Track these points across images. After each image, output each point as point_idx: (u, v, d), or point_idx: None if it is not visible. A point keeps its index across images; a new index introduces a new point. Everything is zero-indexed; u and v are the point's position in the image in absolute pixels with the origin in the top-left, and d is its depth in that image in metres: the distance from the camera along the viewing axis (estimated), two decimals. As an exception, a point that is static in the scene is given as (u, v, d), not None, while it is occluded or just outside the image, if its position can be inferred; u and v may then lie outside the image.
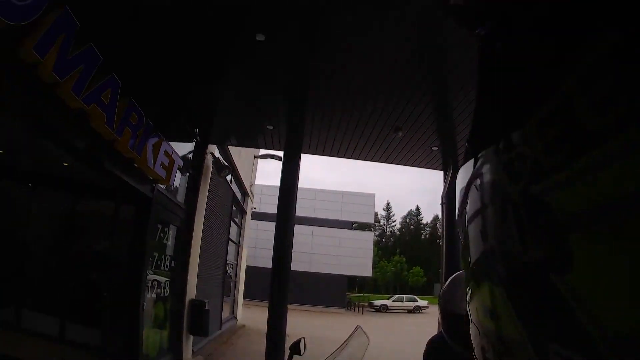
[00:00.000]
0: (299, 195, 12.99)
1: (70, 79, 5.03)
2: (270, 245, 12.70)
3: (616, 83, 0.74)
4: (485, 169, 1.41)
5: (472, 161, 1.68)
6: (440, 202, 13.79)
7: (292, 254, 12.26)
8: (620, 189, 0.70)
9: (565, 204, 0.86)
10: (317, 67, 7.87)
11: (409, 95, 8.48)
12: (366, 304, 50.89)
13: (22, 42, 4.36)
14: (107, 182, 7.70)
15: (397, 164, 13.19)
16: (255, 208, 27.19)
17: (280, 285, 11.62)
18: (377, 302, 51.06)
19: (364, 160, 13.12)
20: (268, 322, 11.35)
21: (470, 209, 1.61)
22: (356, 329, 3.18)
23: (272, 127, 10.93)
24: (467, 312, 1.66)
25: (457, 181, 1.82)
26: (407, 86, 8.14)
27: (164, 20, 6.69)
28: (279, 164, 13.74)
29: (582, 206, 0.80)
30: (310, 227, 43.34)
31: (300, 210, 13.95)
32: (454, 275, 2.87)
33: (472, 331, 1.55)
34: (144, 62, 7.63)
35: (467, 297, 1.63)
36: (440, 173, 13.69)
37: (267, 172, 44.20)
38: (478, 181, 1.50)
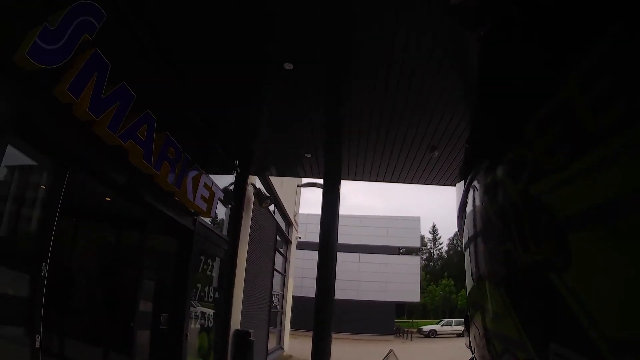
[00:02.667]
0: (344, 222, 12.96)
1: (105, 117, 5.15)
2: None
3: (616, 83, 0.78)
4: (485, 169, 1.45)
5: (471, 161, 1.73)
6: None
7: (340, 282, 12.21)
8: (620, 188, 0.73)
9: (565, 204, 0.89)
10: (350, 92, 7.90)
11: (444, 113, 8.43)
12: (415, 330, 50.21)
13: (56, 84, 4.51)
14: (149, 216, 7.86)
15: (437, 184, 13.07)
16: (300, 238, 27.23)
17: (324, 314, 11.55)
18: (426, 328, 50.32)
19: (404, 182, 13.11)
20: (312, 351, 11.27)
21: (470, 209, 1.66)
22: (389, 352, 3.19)
23: (309, 155, 11.01)
24: (468, 313, 1.69)
25: (457, 180, 1.86)
26: (443, 105, 8.10)
27: (195, 55, 6.94)
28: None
29: (582, 206, 0.83)
30: (357, 254, 43.08)
31: (346, 238, 13.91)
32: None
33: (473, 332, 1.59)
34: (179, 97, 7.85)
35: (469, 297, 1.67)
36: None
37: (312, 201, 43.94)
38: (478, 181, 1.54)
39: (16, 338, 4.77)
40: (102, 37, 4.79)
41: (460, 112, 8.42)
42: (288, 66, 7.00)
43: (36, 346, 4.65)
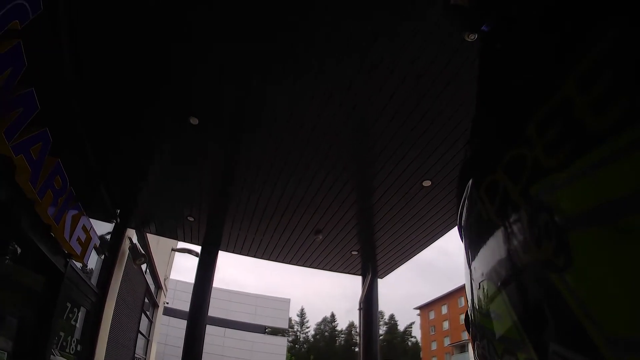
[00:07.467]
0: (213, 295, 12.77)
1: (6, 120, 4.74)
2: (180, 343, 12.29)
3: (616, 82, 0.81)
4: (485, 169, 1.45)
5: (470, 162, 1.72)
6: (358, 307, 13.63)
7: (203, 355, 11.84)
8: (620, 188, 0.76)
9: (565, 204, 0.89)
10: (243, 163, 7.99)
11: (332, 199, 8.76)
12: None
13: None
14: (19, 244, 7.19)
15: (317, 267, 13.27)
16: (167, 303, 26.25)
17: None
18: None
19: (283, 262, 13.23)
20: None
21: (470, 210, 1.64)
22: None
23: (192, 219, 10.87)
24: (468, 313, 1.66)
25: (457, 181, 1.84)
26: (330, 190, 8.44)
27: (103, 90, 6.70)
28: (196, 260, 13.43)
29: (583, 206, 0.84)
30: (222, 328, 42.33)
31: (213, 311, 13.63)
32: None
33: (473, 332, 1.55)
34: (77, 127, 7.46)
35: (469, 298, 1.63)
36: (359, 278, 13.73)
37: (183, 267, 42.41)
38: (478, 181, 1.54)
39: None
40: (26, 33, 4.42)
41: (350, 201, 8.74)
42: (193, 121, 6.94)
43: None
